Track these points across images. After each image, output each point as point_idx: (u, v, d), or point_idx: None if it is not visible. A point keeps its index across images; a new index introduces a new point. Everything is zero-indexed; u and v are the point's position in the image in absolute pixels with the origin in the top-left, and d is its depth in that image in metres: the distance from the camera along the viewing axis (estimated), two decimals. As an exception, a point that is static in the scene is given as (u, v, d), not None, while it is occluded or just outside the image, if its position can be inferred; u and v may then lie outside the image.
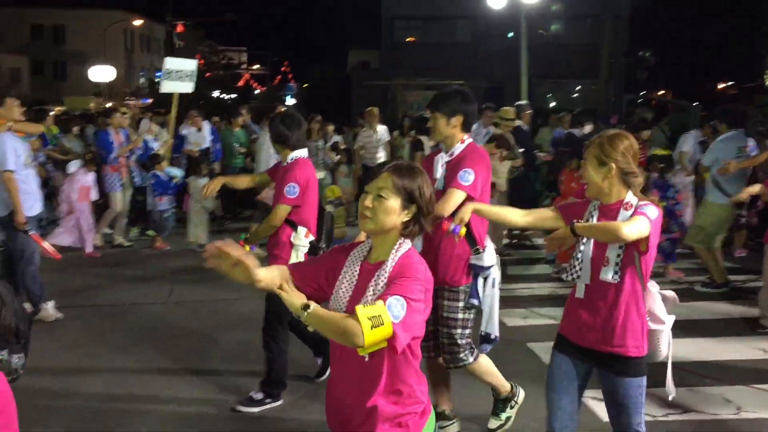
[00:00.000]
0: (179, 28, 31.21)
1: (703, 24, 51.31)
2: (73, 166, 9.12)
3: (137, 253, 9.48)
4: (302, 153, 4.52)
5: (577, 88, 32.22)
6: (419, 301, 2.14)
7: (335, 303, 2.32)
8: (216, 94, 33.30)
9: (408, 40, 34.24)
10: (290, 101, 50.77)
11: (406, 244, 2.30)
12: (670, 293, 3.04)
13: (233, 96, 44.39)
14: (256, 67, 58.01)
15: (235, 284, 2.44)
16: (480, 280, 3.78)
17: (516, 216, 3.26)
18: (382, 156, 11.60)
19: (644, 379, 2.93)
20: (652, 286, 2.97)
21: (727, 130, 7.40)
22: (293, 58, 65.31)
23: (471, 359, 3.86)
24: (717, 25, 51.68)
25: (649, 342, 2.94)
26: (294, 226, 4.40)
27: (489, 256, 3.75)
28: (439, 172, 3.81)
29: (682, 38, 49.57)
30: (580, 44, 30.12)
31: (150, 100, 39.48)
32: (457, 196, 3.61)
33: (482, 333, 3.93)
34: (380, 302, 2.07)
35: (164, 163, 9.61)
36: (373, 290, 2.21)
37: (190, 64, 10.40)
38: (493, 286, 3.83)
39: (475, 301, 3.77)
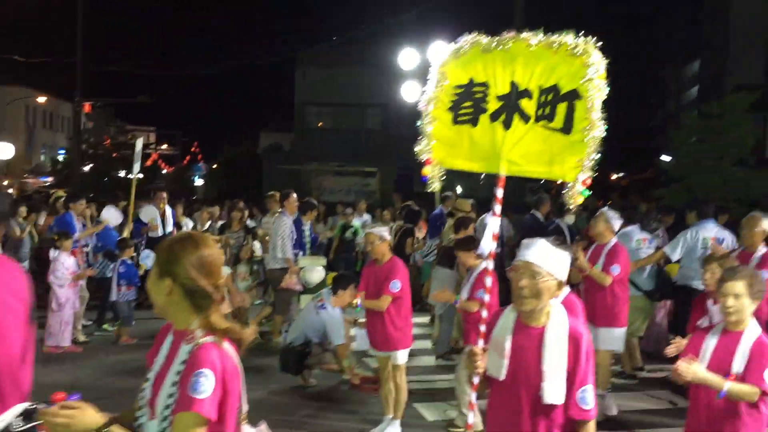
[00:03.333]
0: (87, 108, 30.54)
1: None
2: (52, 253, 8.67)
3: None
4: None
5: (482, 175, 33.34)
6: None
7: None
8: (122, 174, 32.48)
9: (319, 125, 34.86)
10: (199, 182, 50.20)
11: None
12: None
13: (140, 176, 43.32)
14: (164, 147, 57.34)
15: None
16: None
17: None
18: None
19: None
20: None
21: (624, 226, 7.87)
22: (204, 139, 65.09)
23: None
24: (611, 120, 55.00)
25: None
26: None
27: None
28: None
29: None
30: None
31: (50, 179, 38.10)
32: None
33: None
34: None
35: (130, 250, 9.15)
36: None
37: (137, 145, 10.24)
38: None
39: None
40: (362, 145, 30.97)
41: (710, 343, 3.64)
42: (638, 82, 61.43)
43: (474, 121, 3.92)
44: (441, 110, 4.01)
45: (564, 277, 3.02)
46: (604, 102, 3.62)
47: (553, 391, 2.89)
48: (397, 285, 5.54)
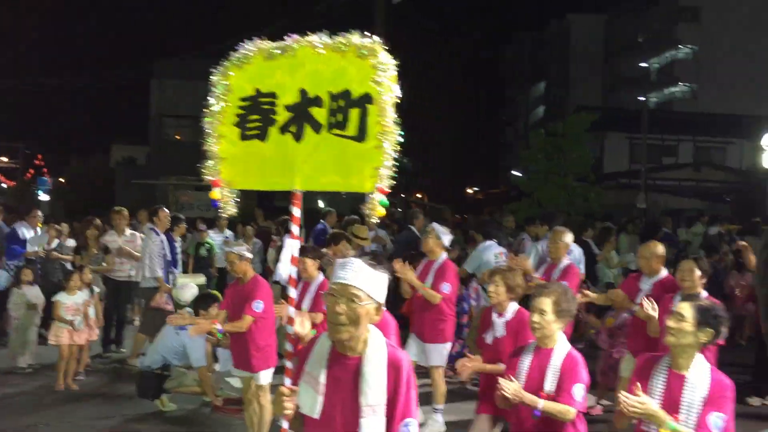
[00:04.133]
0: None
1: (454, 136, 57.11)
2: None
3: None
4: None
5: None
6: None
7: None
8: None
9: (177, 137, 33.73)
10: (44, 197, 47.03)
11: None
12: None
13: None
14: (3, 159, 53.30)
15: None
16: None
17: None
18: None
19: None
20: None
21: (482, 240, 8.25)
22: (50, 151, 61.01)
23: None
24: (465, 138, 57.74)
25: None
26: None
27: None
28: None
29: (435, 147, 54.72)
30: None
31: None
32: None
33: None
34: None
35: None
36: None
37: None
38: None
39: None
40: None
41: (525, 361, 3.70)
42: (490, 102, 64.66)
43: (263, 135, 3.59)
44: (227, 126, 3.65)
45: (383, 299, 2.74)
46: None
47: (373, 428, 2.63)
48: (259, 305, 5.42)
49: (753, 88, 35.88)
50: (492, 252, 8.02)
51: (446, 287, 6.27)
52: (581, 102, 36.69)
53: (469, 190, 51.59)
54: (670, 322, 3.33)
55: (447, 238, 6.60)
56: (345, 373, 2.68)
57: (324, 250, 8.52)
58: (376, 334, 2.75)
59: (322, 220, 10.80)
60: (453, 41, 58.71)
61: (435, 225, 6.85)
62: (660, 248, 5.90)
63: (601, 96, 46.18)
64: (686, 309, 3.32)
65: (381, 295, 2.71)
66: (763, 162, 11.82)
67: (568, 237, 6.62)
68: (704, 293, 5.14)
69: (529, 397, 3.50)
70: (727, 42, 37.98)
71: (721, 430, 3.18)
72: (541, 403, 3.48)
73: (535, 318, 3.64)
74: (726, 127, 33.02)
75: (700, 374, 3.27)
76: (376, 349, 2.70)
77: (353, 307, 2.61)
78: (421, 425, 6.15)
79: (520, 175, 24.59)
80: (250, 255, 5.72)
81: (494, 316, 4.77)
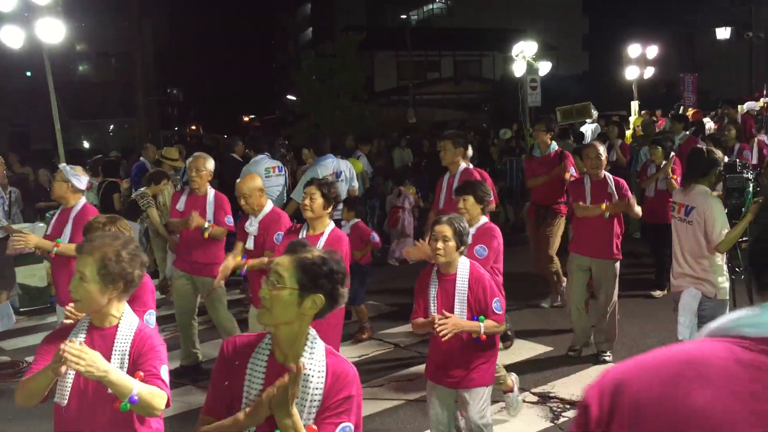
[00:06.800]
0: None
1: (225, 64, 55.29)
2: None
3: None
4: None
5: (111, 127, 31.60)
6: None
7: None
8: None
9: None
10: None
11: None
12: None
13: None
14: None
15: None
16: None
17: None
18: None
19: None
20: None
21: (255, 154, 8.20)
22: None
23: None
24: (238, 66, 56.06)
25: None
26: None
27: None
28: None
29: (206, 77, 52.66)
30: (109, 83, 29.55)
31: None
32: None
33: None
34: None
35: None
36: None
37: None
38: None
39: None
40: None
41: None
42: (258, 27, 63.09)
43: None
44: None
45: None
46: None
47: None
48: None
49: (502, 2, 38.59)
50: (263, 166, 7.86)
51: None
52: (348, 23, 37.14)
53: (246, 118, 50.61)
54: (263, 291, 2.15)
55: (82, 180, 5.43)
56: None
57: (142, 189, 8.06)
58: None
59: (142, 157, 10.39)
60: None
61: (63, 166, 5.58)
62: (257, 181, 5.27)
63: (367, 16, 47.00)
64: (284, 264, 2.15)
65: None
66: (514, 71, 12.82)
67: (210, 164, 5.97)
68: (332, 224, 4.64)
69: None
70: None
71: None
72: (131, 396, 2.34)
73: (74, 283, 2.50)
74: (480, 41, 35.40)
75: (317, 364, 2.14)
76: None
77: None
78: None
79: (295, 98, 24.56)
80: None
81: None
